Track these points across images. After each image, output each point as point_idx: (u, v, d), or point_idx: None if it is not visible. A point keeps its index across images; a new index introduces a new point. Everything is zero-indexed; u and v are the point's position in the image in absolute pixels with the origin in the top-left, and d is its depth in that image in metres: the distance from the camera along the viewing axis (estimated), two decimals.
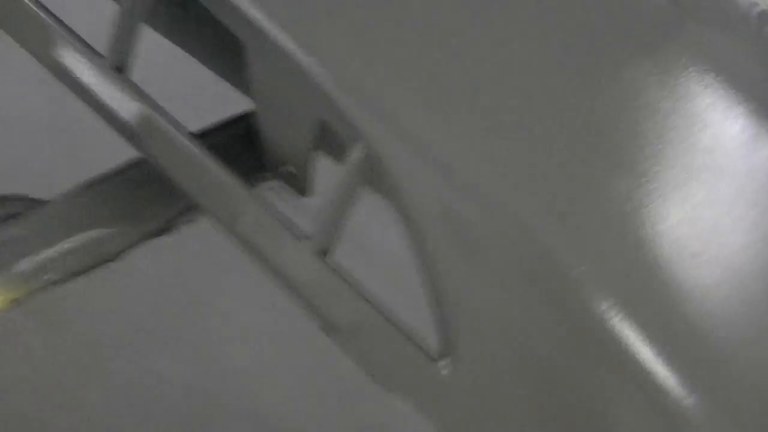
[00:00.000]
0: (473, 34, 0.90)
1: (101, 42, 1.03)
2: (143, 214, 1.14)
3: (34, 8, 1.06)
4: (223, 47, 1.04)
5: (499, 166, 0.85)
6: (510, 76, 0.89)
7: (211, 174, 0.97)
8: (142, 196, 1.14)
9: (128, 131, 1.02)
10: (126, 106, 1.01)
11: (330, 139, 0.92)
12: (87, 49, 1.04)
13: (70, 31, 1.06)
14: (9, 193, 1.20)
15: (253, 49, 0.93)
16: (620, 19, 0.93)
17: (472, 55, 0.89)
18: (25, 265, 1.10)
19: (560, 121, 0.87)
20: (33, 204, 1.17)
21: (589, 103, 0.88)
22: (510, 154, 0.85)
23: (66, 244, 1.11)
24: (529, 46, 0.91)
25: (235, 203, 0.96)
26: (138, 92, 1.01)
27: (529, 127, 0.86)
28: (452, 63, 0.88)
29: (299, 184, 1.01)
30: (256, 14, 0.90)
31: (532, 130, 0.86)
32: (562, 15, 0.93)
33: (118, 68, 1.02)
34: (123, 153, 1.09)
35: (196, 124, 1.05)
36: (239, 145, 1.08)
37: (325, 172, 1.00)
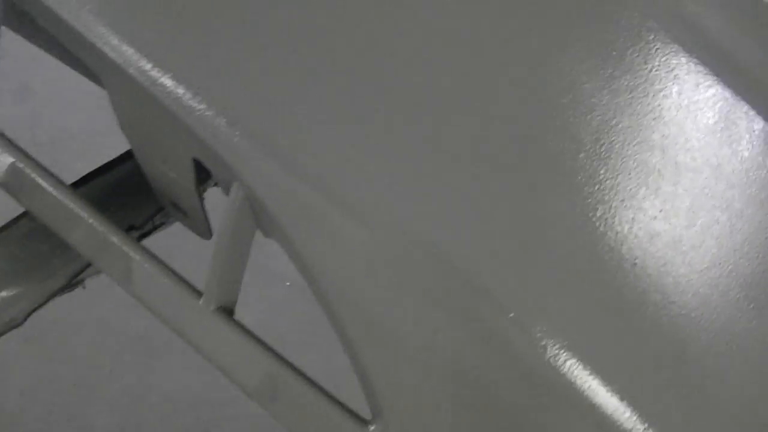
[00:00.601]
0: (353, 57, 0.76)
1: None
2: (44, 271, 1.02)
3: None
4: None
5: (404, 198, 0.71)
6: (412, 89, 0.74)
7: (93, 229, 0.84)
8: (40, 250, 1.02)
9: (4, 186, 0.90)
10: None
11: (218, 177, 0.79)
12: None
13: None
14: None
15: (113, 88, 0.80)
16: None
17: (349, 75, 0.75)
18: None
19: (473, 130, 0.73)
20: None
21: (512, 107, 0.74)
22: (416, 183, 0.71)
23: None
24: (430, 39, 0.76)
25: (122, 261, 0.84)
26: (7, 145, 0.88)
27: (436, 143, 0.72)
28: (330, 83, 0.74)
29: (196, 227, 0.88)
30: (113, 52, 0.76)
31: (442, 147, 0.72)
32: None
33: None
34: None
35: None
36: (135, 185, 0.96)
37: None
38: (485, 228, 0.70)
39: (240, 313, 0.81)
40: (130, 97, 0.79)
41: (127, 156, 1.08)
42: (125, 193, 1.05)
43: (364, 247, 0.71)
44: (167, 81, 0.74)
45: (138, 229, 1.06)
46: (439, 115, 0.73)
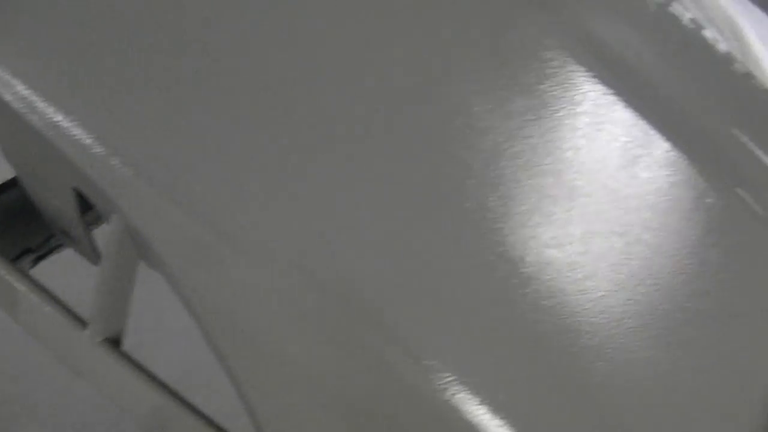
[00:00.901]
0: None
1: None
2: None
3: None
4: None
5: (286, 227, 0.68)
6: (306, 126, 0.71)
7: None
8: None
9: None
10: None
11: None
12: None
13: None
14: None
15: None
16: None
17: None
18: None
19: (357, 157, 0.69)
20: None
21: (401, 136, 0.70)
22: (299, 212, 0.68)
23: None
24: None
25: (6, 290, 0.80)
26: None
27: (319, 172, 0.69)
28: (210, 116, 0.71)
29: (83, 250, 0.85)
30: None
31: (324, 176, 0.69)
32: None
33: None
34: None
35: None
36: (31, 205, 0.91)
37: None
38: (371, 256, 0.67)
39: None
40: (6, 123, 0.75)
41: None
42: (20, 214, 1.01)
43: (246, 278, 0.67)
44: (43, 108, 0.70)
45: (34, 251, 1.02)
46: (320, 145, 0.69)
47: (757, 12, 0.85)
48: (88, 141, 0.69)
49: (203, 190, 0.68)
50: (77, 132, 0.69)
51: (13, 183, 1.05)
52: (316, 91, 0.70)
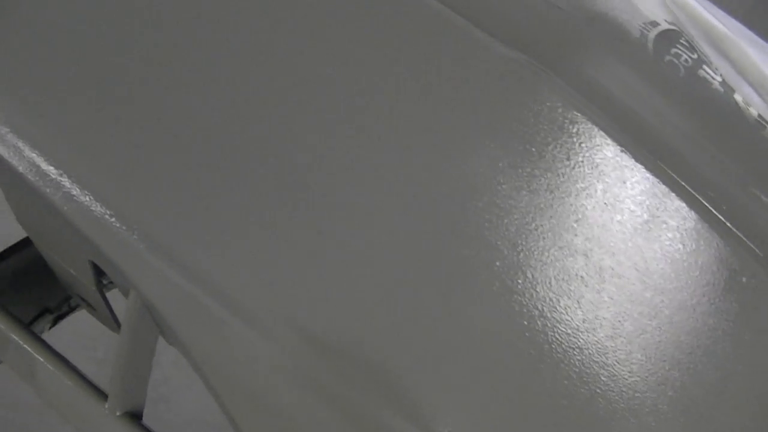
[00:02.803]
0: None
1: None
2: None
3: None
4: None
5: (300, 299, 0.66)
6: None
7: None
8: None
9: None
10: None
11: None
12: None
13: None
14: None
15: (3, 182, 0.75)
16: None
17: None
18: None
19: (379, 234, 0.68)
20: None
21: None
22: (322, 285, 0.67)
23: None
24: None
25: (25, 359, 0.79)
26: None
27: (342, 250, 0.67)
28: (222, 191, 0.70)
29: (102, 318, 0.84)
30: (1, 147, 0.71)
31: (345, 252, 0.67)
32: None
33: None
34: None
35: None
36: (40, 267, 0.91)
37: None
38: (396, 331, 0.66)
39: None
40: (22, 194, 0.74)
41: None
42: (37, 273, 1.00)
43: (261, 351, 0.66)
44: (59, 182, 0.69)
45: (53, 311, 1.01)
46: (340, 220, 0.68)
47: None
48: (105, 218, 0.68)
49: (215, 266, 0.67)
50: (94, 208, 0.68)
51: (29, 241, 1.04)
52: (330, 165, 0.69)
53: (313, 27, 0.73)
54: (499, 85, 0.74)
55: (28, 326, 0.81)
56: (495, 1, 0.84)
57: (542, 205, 0.67)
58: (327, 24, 0.74)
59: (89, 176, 0.69)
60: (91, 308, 0.84)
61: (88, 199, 0.68)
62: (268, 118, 0.70)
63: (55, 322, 1.03)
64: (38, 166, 0.69)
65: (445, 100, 0.72)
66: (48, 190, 0.69)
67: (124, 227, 0.67)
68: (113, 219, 0.68)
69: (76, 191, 0.68)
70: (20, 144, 0.70)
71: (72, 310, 1.03)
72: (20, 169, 0.70)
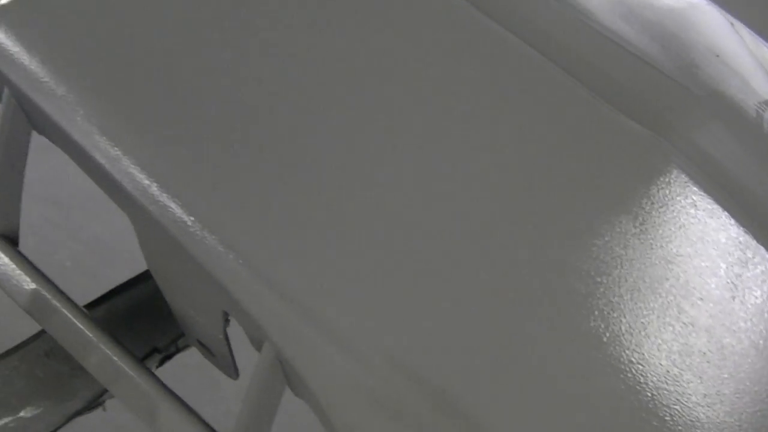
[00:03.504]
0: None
1: None
2: (64, 392, 1.00)
3: None
4: None
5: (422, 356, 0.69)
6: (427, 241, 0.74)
7: (114, 366, 0.82)
8: (60, 371, 1.00)
9: (23, 306, 0.89)
10: (17, 283, 0.87)
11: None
12: None
13: None
14: None
15: (140, 228, 0.78)
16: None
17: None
18: None
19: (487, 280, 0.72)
20: None
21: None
22: (444, 334, 0.70)
23: None
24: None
25: (143, 399, 0.81)
26: (28, 267, 0.87)
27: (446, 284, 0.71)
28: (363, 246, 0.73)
29: (221, 365, 0.86)
30: (142, 194, 0.74)
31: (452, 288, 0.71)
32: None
33: (7, 237, 0.88)
34: None
35: None
36: (161, 305, 0.94)
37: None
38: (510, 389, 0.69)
39: None
40: (158, 243, 0.77)
41: None
42: (152, 311, 1.03)
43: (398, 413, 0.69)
44: (200, 234, 0.72)
45: (161, 351, 1.04)
46: (451, 265, 0.72)
47: None
48: (246, 272, 0.71)
49: (355, 324, 0.70)
50: (234, 262, 0.71)
51: (143, 277, 1.08)
52: (445, 207, 0.73)
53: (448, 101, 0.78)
54: (623, 156, 0.79)
55: (146, 366, 0.84)
56: (617, 72, 0.88)
57: (668, 279, 0.70)
58: (460, 93, 0.79)
59: (231, 230, 0.72)
60: (208, 352, 0.87)
61: (231, 254, 0.71)
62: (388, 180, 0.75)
63: (161, 363, 1.06)
64: (177, 217, 0.73)
65: (572, 167, 0.77)
66: (189, 243, 0.72)
67: (264, 283, 0.70)
68: (255, 274, 0.71)
69: (218, 245, 0.72)
70: (164, 197, 0.73)
71: (179, 350, 1.06)
72: (162, 220, 0.73)
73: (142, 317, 1.05)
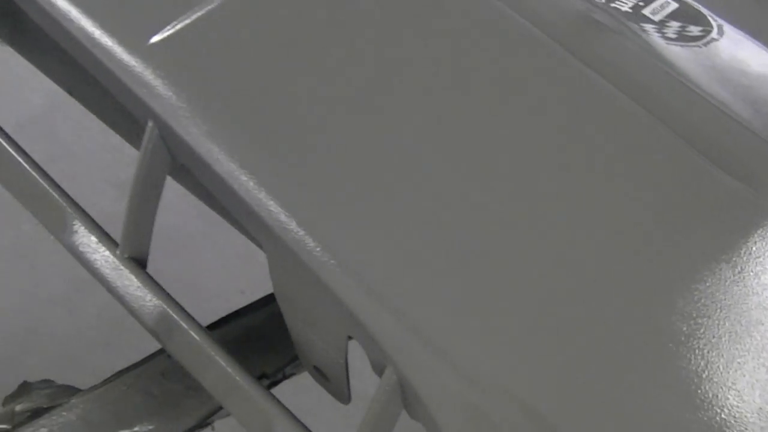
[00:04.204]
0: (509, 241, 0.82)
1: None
2: (177, 410, 1.05)
3: (51, 191, 0.99)
4: None
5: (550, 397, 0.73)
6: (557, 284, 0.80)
7: (233, 383, 0.87)
8: (174, 390, 1.06)
9: (146, 326, 0.94)
10: (141, 302, 0.93)
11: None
12: (103, 236, 0.97)
13: (86, 215, 0.98)
14: (36, 381, 1.14)
15: (273, 256, 0.84)
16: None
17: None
18: None
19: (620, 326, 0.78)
20: (60, 394, 1.10)
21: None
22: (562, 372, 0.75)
23: None
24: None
25: (260, 415, 0.86)
26: (153, 287, 0.93)
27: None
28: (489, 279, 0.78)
29: (335, 390, 0.91)
30: (274, 222, 0.80)
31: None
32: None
33: (135, 259, 0.94)
34: None
35: None
36: (270, 333, 0.99)
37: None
38: None
39: None
40: (291, 271, 0.82)
41: (264, 302, 1.12)
42: (261, 340, 1.09)
43: None
44: (334, 265, 0.78)
45: (269, 377, 1.09)
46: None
47: None
48: (375, 299, 0.76)
49: (477, 355, 0.75)
50: (364, 289, 0.77)
51: (253, 307, 1.13)
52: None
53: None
54: (721, 207, 0.85)
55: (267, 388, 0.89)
56: (713, 131, 0.94)
57: (763, 324, 0.76)
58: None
59: (363, 263, 0.78)
60: (323, 378, 0.92)
61: (363, 284, 0.77)
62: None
63: (268, 388, 1.11)
64: (318, 253, 0.78)
65: (675, 215, 0.83)
66: (324, 273, 0.77)
67: (392, 312, 0.76)
68: (384, 304, 0.76)
69: (351, 276, 0.77)
70: (302, 233, 0.79)
71: (285, 378, 1.11)
72: (299, 252, 0.79)
73: (252, 344, 1.10)
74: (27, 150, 1.02)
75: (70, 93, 1.44)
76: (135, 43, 0.88)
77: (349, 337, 0.83)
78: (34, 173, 1.00)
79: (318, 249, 0.78)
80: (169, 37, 0.89)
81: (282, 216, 0.80)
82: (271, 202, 0.80)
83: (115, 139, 1.35)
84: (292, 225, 0.79)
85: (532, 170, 0.86)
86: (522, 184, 0.85)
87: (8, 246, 2.82)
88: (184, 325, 0.90)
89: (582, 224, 0.84)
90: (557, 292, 0.79)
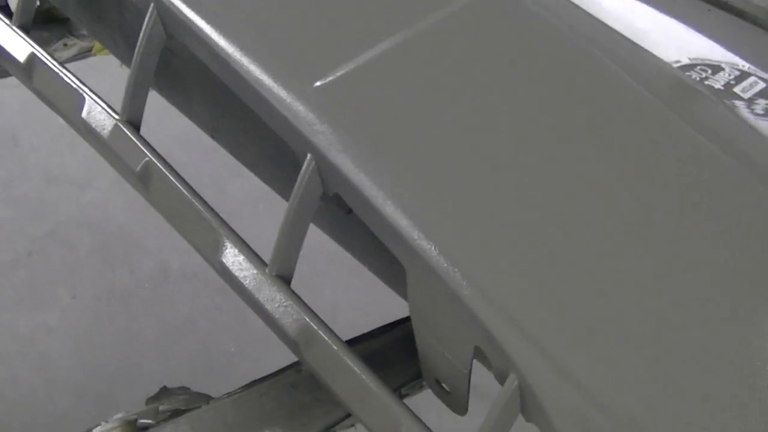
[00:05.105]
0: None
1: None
2: (304, 419, 1.17)
3: (204, 212, 1.13)
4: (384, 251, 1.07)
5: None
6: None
7: (366, 389, 0.99)
8: (303, 400, 1.17)
9: (286, 338, 1.06)
10: (284, 315, 1.05)
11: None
12: (251, 255, 1.10)
13: (236, 236, 1.12)
14: (173, 387, 1.26)
15: (412, 272, 0.95)
16: None
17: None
18: None
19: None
20: (196, 399, 1.22)
21: None
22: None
23: None
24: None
25: (390, 421, 0.97)
26: (299, 303, 1.04)
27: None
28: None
29: (454, 402, 1.02)
30: (417, 242, 0.92)
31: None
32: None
33: (280, 276, 1.07)
34: None
35: None
36: (401, 349, 1.10)
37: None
38: None
39: None
40: (428, 287, 0.94)
41: (382, 330, 1.24)
42: (381, 362, 1.20)
43: None
44: (470, 279, 0.90)
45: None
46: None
47: None
48: (503, 306, 0.89)
49: (596, 367, 0.86)
50: (496, 303, 0.89)
51: (372, 334, 1.25)
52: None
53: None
54: None
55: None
56: None
57: None
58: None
59: (496, 281, 0.90)
60: (442, 391, 1.02)
61: (493, 298, 0.89)
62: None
63: None
64: (455, 273, 0.91)
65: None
66: (456, 285, 0.90)
67: (518, 323, 0.87)
68: (512, 317, 0.88)
69: (480, 288, 0.89)
70: (442, 256, 0.92)
71: (402, 397, 1.21)
72: (440, 272, 0.91)
73: (374, 363, 1.21)
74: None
75: (213, 136, 1.60)
76: (302, 87, 1.03)
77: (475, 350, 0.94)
78: (190, 197, 1.14)
79: (455, 269, 0.90)
80: (330, 82, 1.03)
81: (424, 242, 0.92)
82: (416, 230, 0.93)
83: None
84: (433, 248, 0.92)
85: (648, 218, 0.98)
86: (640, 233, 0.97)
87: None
88: (325, 336, 1.02)
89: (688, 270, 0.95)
90: (684, 327, 0.90)
